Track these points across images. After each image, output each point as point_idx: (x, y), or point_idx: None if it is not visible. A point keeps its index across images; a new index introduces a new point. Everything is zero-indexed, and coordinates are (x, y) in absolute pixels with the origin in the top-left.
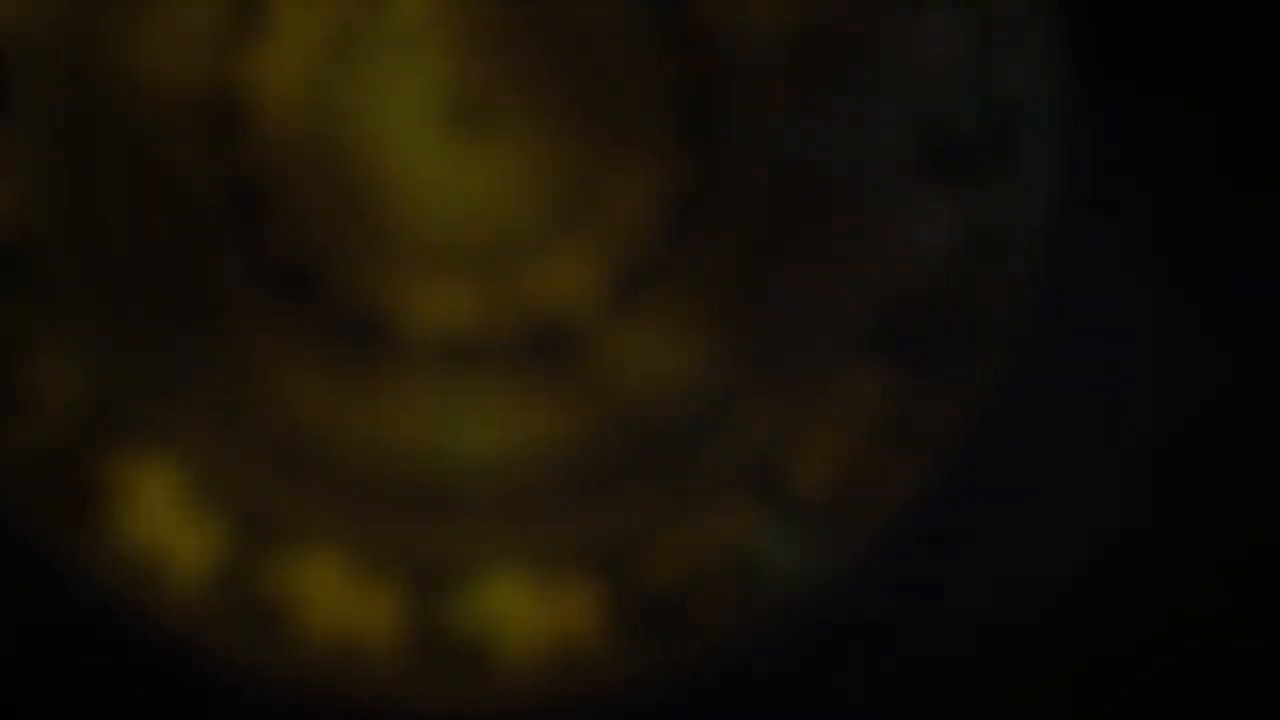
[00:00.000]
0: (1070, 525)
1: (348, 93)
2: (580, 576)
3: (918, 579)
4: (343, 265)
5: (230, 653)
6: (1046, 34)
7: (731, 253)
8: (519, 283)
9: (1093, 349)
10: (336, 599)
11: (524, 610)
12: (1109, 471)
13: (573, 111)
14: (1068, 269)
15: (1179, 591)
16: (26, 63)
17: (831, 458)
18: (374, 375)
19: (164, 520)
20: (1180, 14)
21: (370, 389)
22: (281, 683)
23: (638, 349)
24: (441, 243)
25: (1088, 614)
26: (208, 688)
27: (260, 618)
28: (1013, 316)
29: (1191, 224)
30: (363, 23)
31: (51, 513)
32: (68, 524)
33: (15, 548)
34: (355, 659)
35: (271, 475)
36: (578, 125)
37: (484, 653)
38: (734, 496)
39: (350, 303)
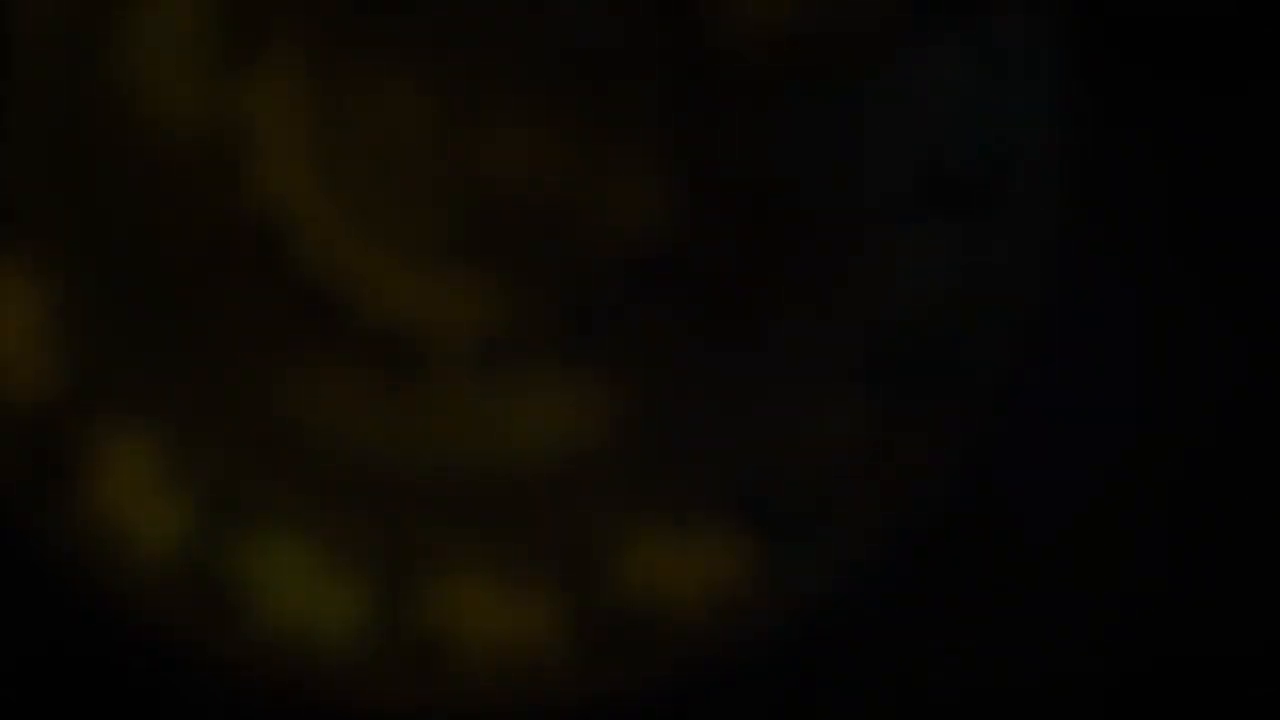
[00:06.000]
0: (1069, 550)
1: (347, 108)
2: (545, 585)
3: (904, 601)
4: (335, 265)
5: (188, 630)
6: (1052, 71)
7: (721, 269)
8: (507, 290)
9: (1090, 375)
10: (299, 586)
11: (485, 613)
12: (1107, 486)
13: (567, 119)
14: (1067, 298)
15: (1181, 599)
16: (28, 70)
17: (815, 484)
18: (357, 374)
19: (133, 492)
20: (1185, 50)
21: (353, 387)
22: (238, 664)
23: (622, 360)
24: (439, 247)
25: (1086, 632)
26: (163, 661)
27: (221, 598)
28: (1006, 351)
29: (1191, 253)
30: (355, 39)
31: (19, 477)
32: (35, 489)
33: None
34: (313, 647)
35: (246, 459)
36: (572, 133)
37: (443, 651)
38: (713, 517)
39: (340, 304)
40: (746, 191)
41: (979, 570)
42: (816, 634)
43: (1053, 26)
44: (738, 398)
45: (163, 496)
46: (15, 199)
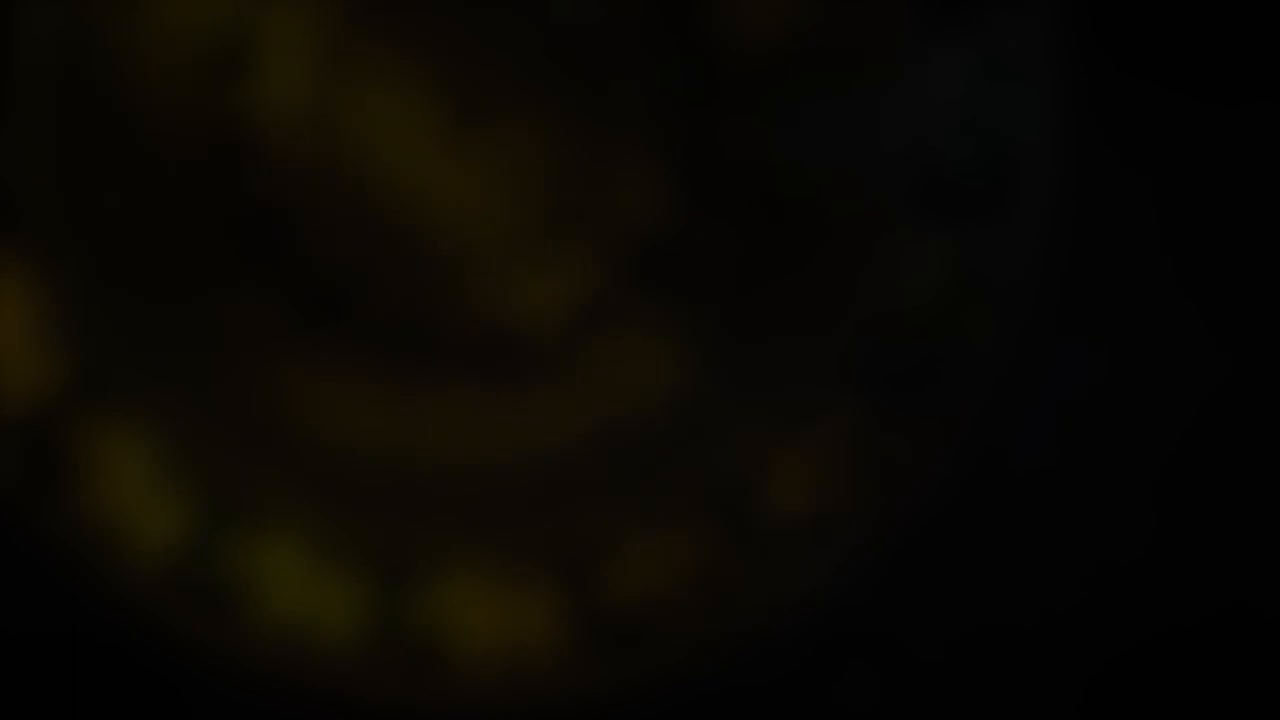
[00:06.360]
0: (1063, 551)
1: (347, 110)
2: (543, 585)
3: (899, 598)
4: (336, 266)
5: (188, 629)
6: (1050, 76)
7: (717, 269)
8: (502, 292)
9: (1082, 374)
10: (299, 586)
11: (484, 613)
12: (1099, 488)
13: (566, 117)
14: (1062, 299)
15: (1178, 604)
16: (31, 74)
17: (806, 480)
18: (357, 374)
19: (133, 492)
20: (1182, 59)
21: (353, 387)
22: (238, 663)
23: (618, 361)
24: (440, 248)
25: (1078, 631)
26: (163, 661)
27: (221, 597)
28: (1001, 352)
29: (1182, 256)
30: (354, 40)
31: (19, 477)
32: (35, 489)
33: None
34: (313, 646)
35: (246, 459)
36: (571, 131)
37: (439, 651)
38: (706, 514)
39: (340, 304)
40: (745, 191)
41: (971, 567)
42: (814, 632)
43: (1051, 33)
44: (735, 397)
45: (163, 496)
46: (15, 198)
